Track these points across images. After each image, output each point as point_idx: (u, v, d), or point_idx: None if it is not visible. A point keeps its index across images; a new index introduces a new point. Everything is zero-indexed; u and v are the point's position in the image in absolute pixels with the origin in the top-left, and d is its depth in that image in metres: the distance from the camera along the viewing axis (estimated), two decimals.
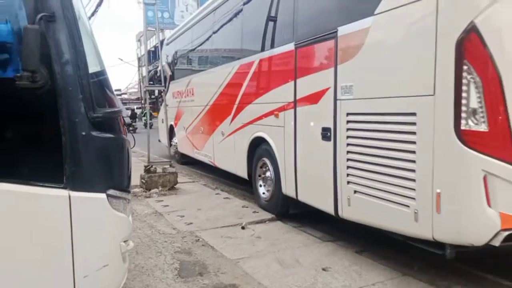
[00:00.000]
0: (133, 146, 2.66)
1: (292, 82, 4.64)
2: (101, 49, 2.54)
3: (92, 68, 2.26)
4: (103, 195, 2.20)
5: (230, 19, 6.56)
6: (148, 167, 7.19)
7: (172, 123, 10.01)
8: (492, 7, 2.61)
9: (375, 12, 3.35)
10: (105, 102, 2.34)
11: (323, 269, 3.61)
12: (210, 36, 7.46)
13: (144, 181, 7.05)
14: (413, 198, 3.04)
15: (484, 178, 2.68)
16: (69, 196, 2.08)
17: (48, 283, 2.12)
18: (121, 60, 49.43)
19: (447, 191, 2.82)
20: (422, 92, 2.91)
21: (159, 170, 7.24)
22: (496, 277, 3.54)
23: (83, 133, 2.11)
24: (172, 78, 10.26)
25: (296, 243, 4.36)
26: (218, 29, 7.08)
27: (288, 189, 4.96)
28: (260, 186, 5.84)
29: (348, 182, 3.77)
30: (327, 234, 4.70)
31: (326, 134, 4.03)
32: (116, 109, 2.38)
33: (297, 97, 4.59)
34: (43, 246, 2.08)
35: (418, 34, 2.98)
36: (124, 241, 2.39)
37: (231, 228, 4.86)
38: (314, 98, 4.24)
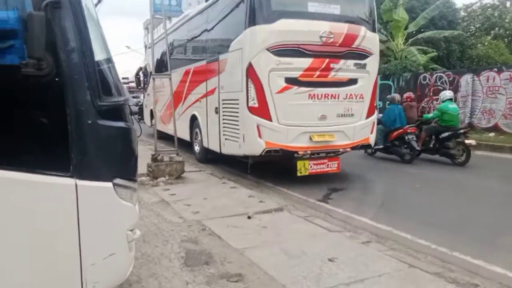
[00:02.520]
0: (140, 135, 2.65)
1: (205, 82, 8.37)
2: (108, 37, 2.51)
3: (98, 56, 2.24)
4: (110, 184, 2.19)
5: (180, 41, 10.72)
6: (155, 155, 7.20)
7: (152, 108, 13.11)
8: (257, 56, 6.29)
9: (229, 51, 7.08)
10: (112, 91, 2.32)
11: (329, 260, 3.60)
12: (172, 48, 11.14)
13: (151, 169, 7.07)
14: (238, 137, 6.73)
15: (258, 126, 6.39)
16: (76, 185, 2.07)
17: (55, 270, 2.13)
18: (129, 48, 49.24)
19: (246, 133, 6.56)
20: (240, 89, 6.59)
21: (166, 159, 7.26)
22: None
23: (89, 122, 2.09)
24: (151, 74, 13.07)
25: (302, 233, 4.36)
26: (177, 44, 11.12)
27: (206, 144, 8.52)
28: (195, 146, 9.40)
29: (223, 134, 7.35)
30: (334, 225, 4.69)
31: (216, 110, 7.66)
32: (122, 98, 2.36)
33: (207, 91, 8.25)
34: (50, 234, 2.09)
35: (237, 63, 6.70)
36: (131, 230, 2.39)
37: (238, 218, 4.86)
38: (212, 92, 7.96)
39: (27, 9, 2.03)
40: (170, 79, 7.87)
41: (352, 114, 6.97)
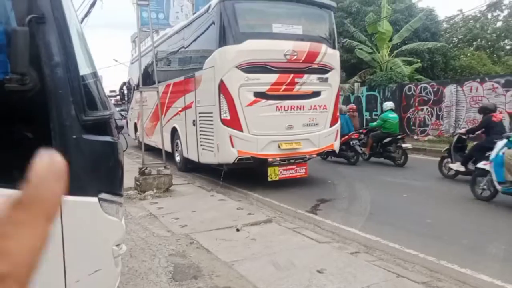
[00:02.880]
0: (126, 149, 2.63)
1: (184, 97, 8.95)
2: (95, 50, 2.52)
3: (83, 70, 2.23)
4: (95, 199, 2.17)
5: (161, 57, 11.15)
6: (143, 169, 7.15)
7: (136, 121, 14.02)
8: (227, 73, 6.91)
9: (203, 68, 7.77)
10: (97, 105, 2.31)
11: (318, 271, 3.59)
12: (151, 66, 10.55)
13: (138, 183, 7.01)
14: (213, 147, 7.29)
15: (230, 136, 6.96)
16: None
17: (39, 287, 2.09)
18: (116, 61, 49.08)
19: (219, 143, 7.11)
20: (213, 103, 7.18)
21: (153, 172, 7.21)
22: None
23: (74, 136, 2.07)
24: (134, 89, 13.94)
25: (291, 245, 4.35)
26: (157, 60, 10.94)
27: (186, 154, 9.07)
28: (176, 156, 9.83)
29: (201, 144, 7.95)
30: (322, 236, 4.70)
31: (194, 123, 8.28)
32: (108, 112, 2.35)
33: (186, 104, 8.85)
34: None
35: (211, 80, 7.29)
36: (117, 245, 2.36)
37: (226, 230, 4.84)
38: (190, 105, 8.60)
39: (11, 24, 2.03)
40: (157, 92, 7.88)
41: (316, 123, 7.62)
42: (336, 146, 8.18)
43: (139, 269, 3.65)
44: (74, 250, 2.10)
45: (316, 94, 7.58)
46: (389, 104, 10.68)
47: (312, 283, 3.37)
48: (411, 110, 15.66)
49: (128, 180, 6.89)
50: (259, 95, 7.02)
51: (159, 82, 9.73)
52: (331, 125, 7.82)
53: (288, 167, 7.55)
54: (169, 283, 3.37)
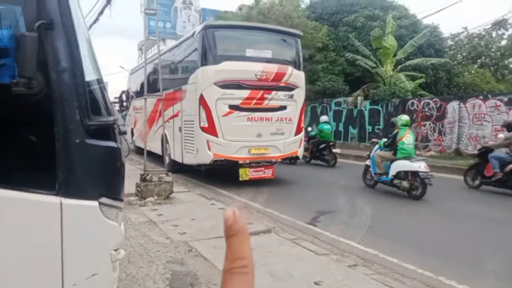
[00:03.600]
0: (128, 155, 2.66)
1: (172, 106, 9.96)
2: (102, 57, 2.56)
3: (89, 76, 2.27)
4: (95, 203, 2.19)
5: (155, 71, 11.69)
6: (144, 175, 7.17)
7: (132, 126, 15.24)
8: (206, 89, 8.19)
9: (188, 83, 8.96)
10: (101, 110, 2.34)
11: (315, 283, 3.58)
12: (150, 75, 12.03)
13: (139, 189, 7.03)
14: (194, 150, 8.47)
15: (207, 141, 8.24)
16: (61, 203, 2.07)
17: None
18: (122, 68, 49.46)
19: (199, 146, 8.38)
20: (195, 113, 8.39)
21: (155, 179, 7.23)
22: None
23: (77, 141, 2.10)
24: (133, 97, 15.49)
25: (289, 256, 4.35)
26: (152, 73, 12.17)
27: (173, 156, 10.12)
28: (166, 158, 10.63)
29: (184, 148, 9.03)
30: (321, 248, 4.69)
31: (180, 129, 9.43)
32: (112, 118, 2.39)
33: (174, 113, 9.99)
34: (32, 252, 2.07)
35: (193, 93, 8.50)
36: (115, 250, 2.38)
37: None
38: (177, 114, 9.78)
39: (20, 29, 2.08)
40: (162, 99, 7.96)
41: (282, 133, 8.95)
42: (300, 153, 9.52)
43: (137, 275, 3.65)
44: (73, 253, 2.12)
45: (283, 108, 8.93)
46: (324, 118, 13.64)
47: None
48: (413, 125, 15.67)
49: (130, 186, 6.91)
50: (233, 107, 8.34)
51: (152, 92, 10.89)
52: (295, 134, 9.15)
53: (257, 169, 8.81)
54: None
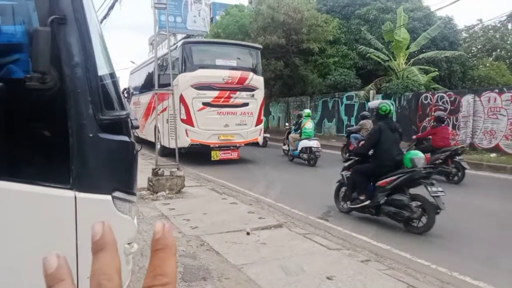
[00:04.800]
0: (140, 149, 2.67)
1: (162, 103, 11.55)
2: (114, 52, 2.56)
3: (102, 70, 2.28)
4: (109, 197, 2.20)
5: (149, 73, 13.94)
6: (156, 170, 7.22)
7: None
8: (185, 90, 10.74)
9: (172, 85, 9.17)
10: (114, 105, 2.35)
11: (328, 278, 3.57)
12: (146, 77, 15.06)
13: (151, 183, 7.07)
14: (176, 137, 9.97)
15: (186, 130, 10.84)
16: (75, 197, 2.08)
17: None
18: (133, 63, 49.72)
19: (179, 134, 10.63)
20: (177, 108, 9.80)
21: (166, 173, 7.27)
22: None
23: (91, 135, 2.12)
24: (133, 94, 17.58)
25: (301, 250, 4.34)
26: (148, 75, 14.54)
27: (163, 143, 11.57)
28: (157, 145, 10.17)
29: (170, 135, 9.87)
30: (333, 243, 4.67)
31: (167, 121, 10.52)
32: (124, 112, 2.39)
33: (163, 108, 11.59)
34: (47, 246, 2.09)
35: (176, 93, 9.36)
36: (129, 244, 2.39)
37: (236, 234, 4.85)
38: (165, 109, 11.33)
39: (33, 24, 2.09)
40: (172, 94, 8.01)
41: (245, 124, 11.68)
42: (260, 140, 12.25)
43: None
44: (87, 246, 2.13)
45: (245, 104, 11.63)
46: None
47: None
48: (427, 119, 15.48)
49: (141, 180, 6.96)
50: (206, 104, 10.71)
51: (148, 91, 13.57)
52: (256, 125, 11.93)
53: (226, 151, 11.43)
54: (179, 284, 3.39)
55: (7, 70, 2.14)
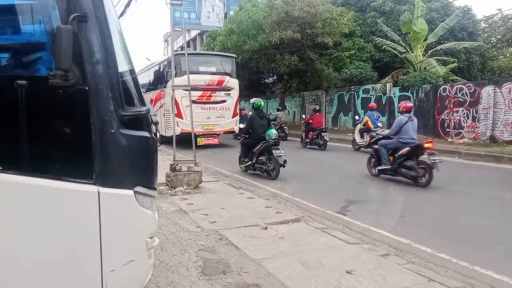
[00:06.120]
0: (160, 145, 2.70)
1: (159, 101, 15.96)
2: (129, 49, 2.59)
3: (122, 67, 2.31)
4: (131, 192, 2.24)
5: (151, 75, 18.20)
6: (174, 165, 7.29)
7: None
8: (176, 91, 10.74)
9: (166, 86, 15.02)
10: (134, 101, 2.38)
11: (347, 272, 3.56)
12: (150, 78, 18.44)
13: (169, 179, 7.15)
14: (170, 127, 12.82)
15: (177, 122, 11.50)
16: (98, 192, 2.12)
17: (77, 275, 2.17)
18: (149, 60, 50.13)
19: (172, 124, 9.79)
20: (170, 105, 13.85)
21: (184, 168, 7.34)
22: None
23: (112, 131, 2.15)
24: None
25: (320, 244, 4.33)
26: (151, 76, 18.34)
27: (161, 132, 14.59)
28: (157, 135, 11.83)
29: (166, 126, 15.17)
30: (352, 237, 4.65)
31: (164, 115, 15.29)
32: (144, 108, 2.42)
33: (160, 105, 15.73)
34: (73, 240, 2.14)
35: (169, 93, 13.98)
36: (150, 238, 2.43)
37: (254, 228, 4.87)
38: (162, 106, 15.64)
39: (54, 23, 2.13)
40: (189, 90, 8.10)
41: (224, 116, 15.12)
42: (236, 129, 15.50)
43: (170, 263, 3.73)
44: (110, 240, 2.18)
45: (223, 101, 15.12)
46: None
47: (341, 283, 3.35)
48: (445, 111, 15.21)
49: (159, 176, 6.99)
50: (192, 101, 11.74)
51: (150, 91, 17.56)
52: (232, 117, 15.37)
53: (208, 138, 14.64)
54: (199, 277, 3.43)
55: (31, 68, 2.19)
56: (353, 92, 19.76)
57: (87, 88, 2.09)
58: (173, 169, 7.25)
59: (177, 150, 10.88)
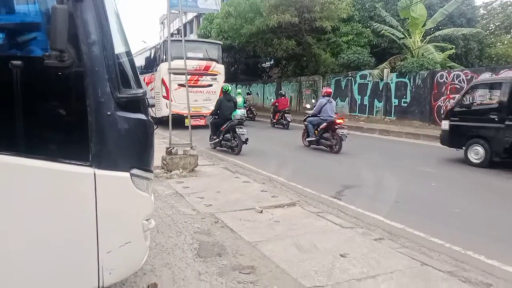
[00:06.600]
0: (156, 127, 2.69)
1: (151, 84, 17.20)
2: (125, 31, 2.55)
3: (118, 49, 2.28)
4: (127, 174, 2.24)
5: (144, 59, 19.17)
6: (170, 149, 7.28)
7: None
8: (165, 75, 12.75)
9: (156, 70, 16.53)
10: (130, 83, 2.37)
11: (341, 255, 3.61)
12: (145, 61, 19.17)
13: (165, 162, 7.15)
14: (160, 109, 15.29)
15: (166, 104, 14.70)
16: (94, 174, 2.12)
17: (73, 257, 2.19)
18: (145, 42, 49.55)
19: (162, 106, 15.42)
20: (160, 88, 15.80)
21: (180, 152, 7.33)
22: None
23: (108, 113, 2.14)
24: None
25: (315, 228, 4.38)
26: (144, 60, 19.12)
27: (157, 114, 13.48)
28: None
29: (156, 107, 14.70)
30: (346, 221, 4.70)
31: (153, 97, 15.06)
32: (141, 90, 2.40)
33: (152, 87, 16.92)
34: (69, 221, 2.15)
35: (159, 77, 15.98)
36: (146, 220, 2.45)
37: (250, 212, 4.90)
38: (153, 89, 16.78)
39: (49, 3, 2.09)
40: (186, 74, 8.05)
41: (210, 99, 15.60)
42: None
43: (166, 244, 3.77)
44: (107, 222, 2.19)
45: (210, 85, 16.15)
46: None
47: (335, 266, 3.40)
48: (442, 98, 15.23)
49: (156, 159, 6.99)
50: (180, 85, 12.51)
51: (143, 74, 17.80)
52: None
53: (196, 119, 14.57)
54: (194, 259, 3.47)
55: (26, 48, 2.16)
56: (350, 78, 19.70)
57: (83, 69, 2.07)
58: (169, 152, 7.25)
59: (166, 130, 11.88)
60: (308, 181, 6.74)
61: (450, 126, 9.08)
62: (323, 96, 10.84)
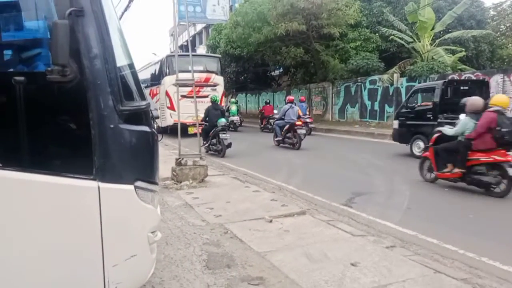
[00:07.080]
0: (161, 139, 2.69)
1: (156, 96, 19.04)
2: (135, 44, 2.58)
3: (120, 62, 2.29)
4: (131, 187, 2.23)
5: (150, 73, 21.02)
6: (179, 160, 7.30)
7: None
8: (168, 87, 16.87)
9: (161, 83, 18.27)
10: (133, 96, 2.37)
11: (352, 264, 3.55)
12: (150, 75, 20.75)
13: (175, 173, 7.16)
14: (164, 118, 17.42)
15: (170, 114, 17.11)
16: (98, 187, 2.12)
17: (79, 271, 2.18)
18: (155, 55, 50.20)
19: (166, 116, 17.40)
20: (164, 99, 17.63)
21: (189, 163, 7.34)
22: None
23: (112, 126, 2.14)
24: None
25: (325, 237, 4.32)
26: (150, 74, 20.96)
27: (162, 124, 16.82)
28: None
29: (161, 117, 17.39)
30: (357, 229, 4.63)
31: (159, 108, 18.03)
32: (144, 103, 2.41)
33: (157, 99, 18.81)
34: (74, 235, 2.15)
35: (163, 89, 17.84)
36: (152, 232, 2.43)
37: (260, 221, 4.86)
38: (158, 100, 18.67)
39: (51, 18, 2.11)
40: (193, 85, 8.12)
41: None
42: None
43: (174, 257, 3.75)
44: (112, 235, 2.18)
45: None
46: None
47: (346, 275, 3.34)
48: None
49: (165, 170, 7.07)
50: (183, 96, 12.75)
51: (149, 86, 19.95)
52: None
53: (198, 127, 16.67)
54: (203, 271, 3.44)
55: (29, 64, 2.19)
56: (359, 83, 19.60)
57: (85, 83, 2.09)
58: (178, 163, 7.27)
59: (170, 139, 13.28)
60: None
61: (399, 124, 10.72)
62: (286, 102, 13.15)
